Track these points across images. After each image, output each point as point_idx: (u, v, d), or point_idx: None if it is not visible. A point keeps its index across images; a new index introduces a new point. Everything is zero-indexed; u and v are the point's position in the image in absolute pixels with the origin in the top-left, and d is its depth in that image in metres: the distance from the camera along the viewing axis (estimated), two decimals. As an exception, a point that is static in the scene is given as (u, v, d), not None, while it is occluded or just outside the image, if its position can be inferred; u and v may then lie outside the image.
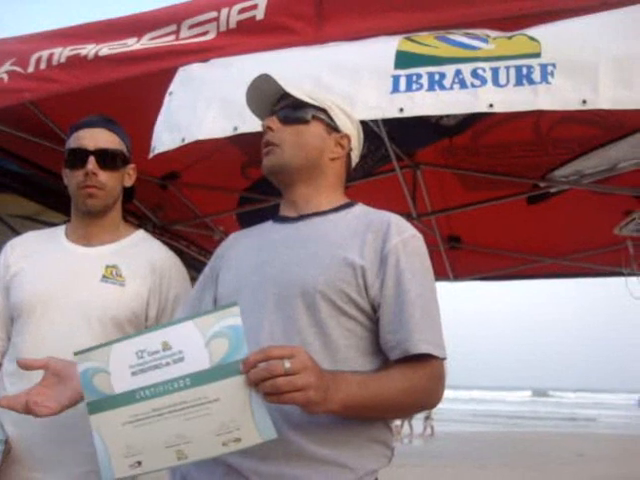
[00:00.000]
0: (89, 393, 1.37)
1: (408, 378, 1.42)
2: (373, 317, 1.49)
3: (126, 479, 1.35)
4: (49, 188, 3.40)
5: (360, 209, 1.64)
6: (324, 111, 1.62)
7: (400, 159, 3.43)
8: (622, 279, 4.44)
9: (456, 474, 10.98)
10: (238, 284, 1.59)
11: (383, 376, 1.43)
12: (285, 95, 1.62)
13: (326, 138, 1.63)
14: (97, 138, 1.95)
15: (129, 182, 2.05)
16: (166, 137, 2.10)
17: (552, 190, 3.77)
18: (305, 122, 1.60)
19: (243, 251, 1.67)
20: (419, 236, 1.56)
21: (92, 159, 1.92)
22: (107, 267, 1.92)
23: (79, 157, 1.93)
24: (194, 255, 4.69)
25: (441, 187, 3.93)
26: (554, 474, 11.24)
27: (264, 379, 1.21)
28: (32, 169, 3.40)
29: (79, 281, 1.90)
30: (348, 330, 1.48)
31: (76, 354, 1.39)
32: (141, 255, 1.99)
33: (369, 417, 1.45)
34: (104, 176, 1.94)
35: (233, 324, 1.28)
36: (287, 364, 1.21)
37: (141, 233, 2.11)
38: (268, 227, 1.69)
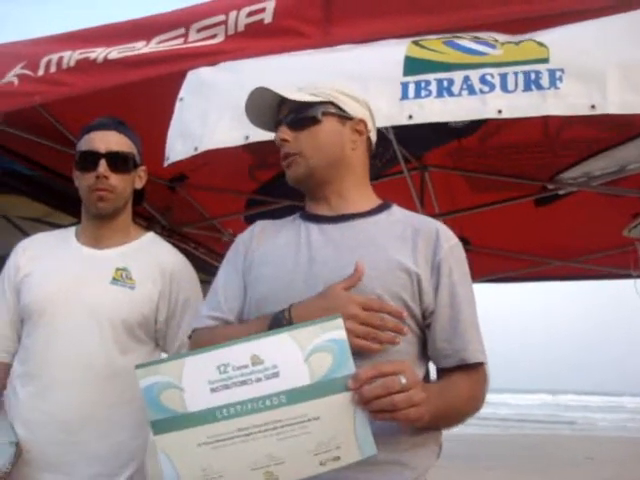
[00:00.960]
0: (155, 411, 1.24)
1: (471, 387, 1.47)
2: (422, 324, 1.50)
3: None
4: (58, 190, 3.42)
5: (399, 212, 1.62)
6: (331, 103, 1.57)
7: (408, 161, 3.43)
8: (631, 281, 4.42)
9: (464, 476, 10.94)
10: (283, 282, 1.51)
11: (452, 386, 1.45)
12: (286, 99, 1.57)
13: (342, 130, 1.57)
14: (108, 141, 1.95)
15: (139, 184, 2.05)
16: (179, 146, 2.10)
17: (560, 192, 3.76)
18: (317, 122, 1.55)
19: (278, 248, 1.59)
20: (460, 243, 1.58)
21: (103, 162, 1.92)
22: (117, 270, 1.92)
23: (90, 160, 1.93)
24: (202, 257, 4.70)
25: (449, 189, 3.93)
26: (562, 477, 11.18)
27: (379, 396, 1.21)
28: (42, 171, 3.41)
29: (89, 283, 1.91)
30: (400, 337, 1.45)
31: (138, 367, 1.27)
32: (151, 258, 1.99)
33: (440, 426, 1.49)
34: (115, 179, 1.94)
35: (337, 338, 1.21)
36: (403, 380, 1.22)
37: (151, 235, 2.11)
38: (298, 224, 1.62)
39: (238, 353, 1.23)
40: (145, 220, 4.05)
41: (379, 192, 3.59)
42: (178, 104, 2.18)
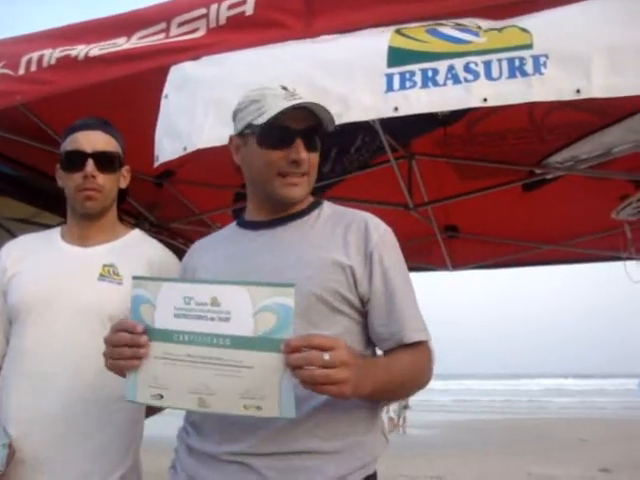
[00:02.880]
0: (135, 318, 1.43)
1: (414, 363, 1.53)
2: (362, 310, 1.57)
3: None
4: (43, 190, 3.39)
5: (329, 208, 1.67)
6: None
7: (395, 150, 3.42)
8: (621, 263, 4.44)
9: (460, 462, 11.02)
10: None
11: (396, 361, 1.51)
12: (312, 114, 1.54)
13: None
14: (94, 141, 1.94)
15: (124, 184, 2.05)
16: (168, 146, 2.12)
17: (548, 176, 3.77)
18: (319, 148, 1.61)
19: (216, 260, 1.65)
20: (391, 230, 1.62)
21: (91, 162, 1.91)
22: (104, 266, 1.92)
23: (77, 159, 1.92)
24: (192, 253, 4.68)
25: (437, 177, 3.93)
26: (558, 460, 11.29)
27: (301, 367, 1.26)
28: (26, 171, 3.39)
29: (77, 281, 1.90)
30: (342, 327, 1.52)
31: (134, 278, 1.46)
32: (138, 254, 1.99)
33: (385, 399, 1.59)
34: (102, 179, 1.94)
35: (285, 303, 1.31)
36: (326, 357, 1.25)
37: (137, 233, 2.11)
38: (235, 232, 1.69)
39: (202, 291, 1.38)
40: (133, 217, 4.04)
41: (367, 182, 3.60)
42: (163, 102, 2.17)
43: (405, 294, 1.57)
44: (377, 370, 1.44)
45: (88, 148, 1.93)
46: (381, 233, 1.58)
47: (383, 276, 1.55)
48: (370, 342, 1.59)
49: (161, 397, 1.41)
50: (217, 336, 1.35)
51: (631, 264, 4.35)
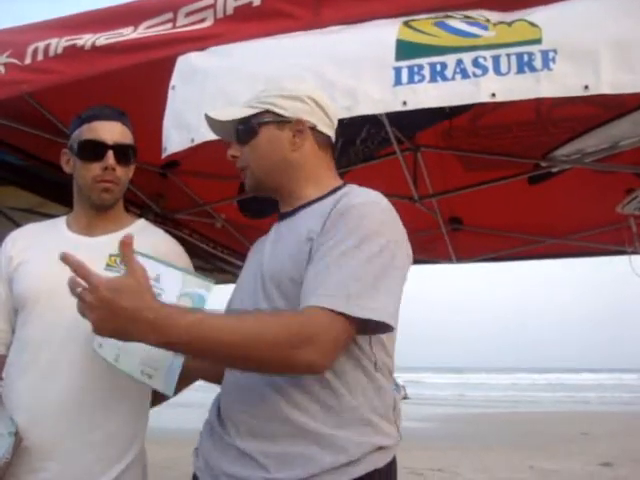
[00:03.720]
0: None
1: (263, 320, 1.36)
2: None
3: None
4: (49, 180, 3.39)
5: (344, 191, 1.57)
6: (267, 112, 1.61)
7: (400, 142, 3.42)
8: (626, 257, 4.44)
9: (462, 456, 11.04)
10: (241, 282, 1.70)
11: (239, 318, 1.39)
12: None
13: (280, 135, 1.61)
14: (114, 132, 1.94)
15: (130, 176, 2.05)
16: (176, 137, 2.12)
17: (553, 170, 3.76)
18: (255, 134, 1.62)
19: (252, 253, 1.77)
20: (374, 204, 1.49)
21: (111, 153, 1.91)
22: (110, 256, 1.91)
23: (96, 150, 1.91)
24: (196, 243, 4.69)
25: (442, 169, 3.92)
26: (559, 453, 11.31)
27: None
28: (32, 161, 3.39)
29: None
30: None
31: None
32: (144, 243, 1.97)
33: (220, 361, 1.52)
34: (120, 171, 1.94)
35: (202, 293, 1.48)
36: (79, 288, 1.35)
37: (142, 222, 2.12)
38: (273, 227, 1.73)
39: (154, 267, 1.53)
40: (138, 207, 4.04)
41: (372, 174, 3.60)
42: (170, 93, 2.16)
43: (341, 259, 1.39)
44: (168, 321, 1.29)
45: (109, 139, 1.92)
46: (352, 204, 1.46)
47: (324, 239, 1.43)
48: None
49: (101, 346, 1.62)
50: None
51: (636, 258, 4.34)
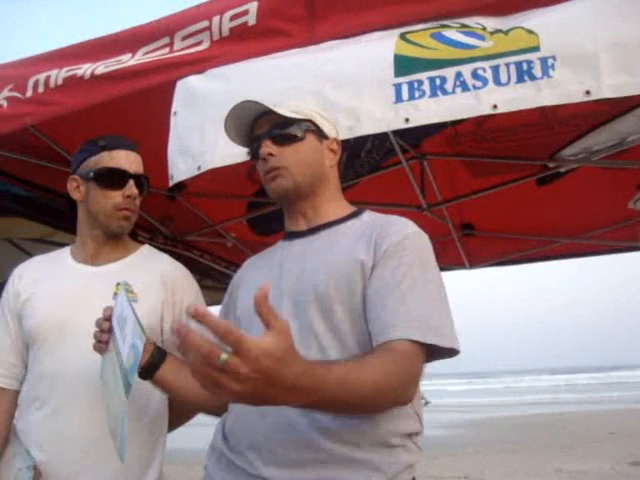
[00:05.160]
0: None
1: (386, 373, 1.32)
2: None
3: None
4: (57, 209, 3.40)
5: (368, 216, 1.65)
6: (311, 122, 1.65)
7: (406, 151, 3.40)
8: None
9: (488, 461, 10.94)
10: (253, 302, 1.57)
11: (362, 371, 1.29)
12: (265, 114, 1.63)
13: (320, 147, 1.66)
14: (133, 161, 1.96)
15: None
16: (182, 165, 2.13)
17: (562, 170, 3.73)
18: (301, 138, 1.62)
19: (257, 272, 1.72)
20: (422, 233, 1.57)
21: (132, 183, 1.93)
22: (118, 284, 1.91)
23: (118, 178, 1.93)
24: (208, 264, 4.69)
25: (450, 176, 3.91)
26: (586, 454, 11.17)
27: (191, 357, 1.02)
28: (39, 192, 3.40)
29: (91, 301, 1.88)
30: (361, 331, 1.47)
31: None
32: (150, 269, 1.99)
33: (339, 412, 1.38)
34: (138, 200, 1.98)
35: (138, 344, 1.46)
36: (224, 356, 1.00)
37: (147, 248, 2.12)
38: (280, 246, 1.72)
39: (125, 310, 1.56)
40: (147, 232, 4.04)
41: (379, 184, 3.58)
42: (173, 119, 2.17)
43: (415, 290, 1.44)
44: (319, 383, 1.17)
45: (130, 168, 1.94)
46: (404, 234, 1.53)
47: (389, 269, 1.47)
48: None
49: (104, 385, 1.64)
50: (119, 352, 1.53)
51: (650, 254, 4.30)
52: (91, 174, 1.95)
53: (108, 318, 1.64)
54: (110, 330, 1.63)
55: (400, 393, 1.38)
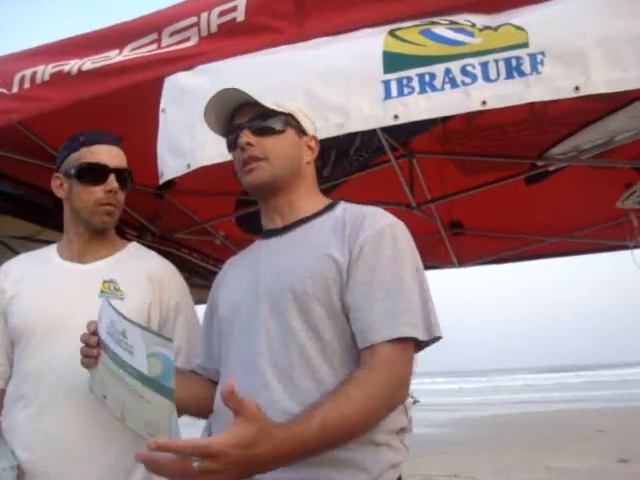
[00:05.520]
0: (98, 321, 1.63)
1: (368, 394, 1.35)
2: None
3: None
4: (44, 207, 3.37)
5: (341, 208, 1.64)
6: (292, 116, 1.65)
7: (395, 149, 3.40)
8: (628, 252, 4.40)
9: (478, 459, 10.97)
10: (235, 302, 1.63)
11: (339, 406, 1.33)
12: (246, 105, 1.62)
13: (299, 142, 1.66)
14: (114, 156, 1.94)
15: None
16: (171, 163, 2.12)
17: (551, 168, 3.74)
18: (281, 131, 1.62)
19: (237, 272, 1.72)
20: (397, 223, 1.56)
21: (113, 177, 1.92)
22: (104, 282, 1.90)
23: (99, 173, 1.91)
24: (197, 262, 4.68)
25: (439, 174, 3.91)
26: (575, 452, 11.21)
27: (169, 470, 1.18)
28: (25, 189, 3.37)
29: (78, 299, 1.88)
30: (343, 331, 1.47)
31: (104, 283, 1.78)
32: (137, 267, 1.98)
33: (340, 443, 1.38)
34: (121, 195, 1.95)
35: (166, 354, 1.39)
36: (196, 463, 1.14)
37: (135, 245, 2.10)
38: (257, 245, 1.72)
39: (118, 321, 1.51)
40: (135, 229, 4.02)
41: (368, 183, 3.56)
42: (161, 116, 2.16)
43: (395, 285, 1.45)
44: (299, 442, 1.27)
45: (111, 163, 1.92)
46: (381, 226, 1.51)
47: (370, 266, 1.46)
48: None
49: (105, 398, 1.61)
50: (126, 365, 1.47)
51: (638, 252, 4.31)
52: (72, 171, 1.94)
53: (94, 332, 1.61)
54: (99, 344, 1.60)
55: (390, 403, 1.42)
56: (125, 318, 1.51)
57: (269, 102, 1.61)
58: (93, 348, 1.61)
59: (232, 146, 1.65)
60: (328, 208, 1.65)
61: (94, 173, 1.91)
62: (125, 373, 1.47)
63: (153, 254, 2.09)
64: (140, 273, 1.95)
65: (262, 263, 1.61)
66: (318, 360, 1.44)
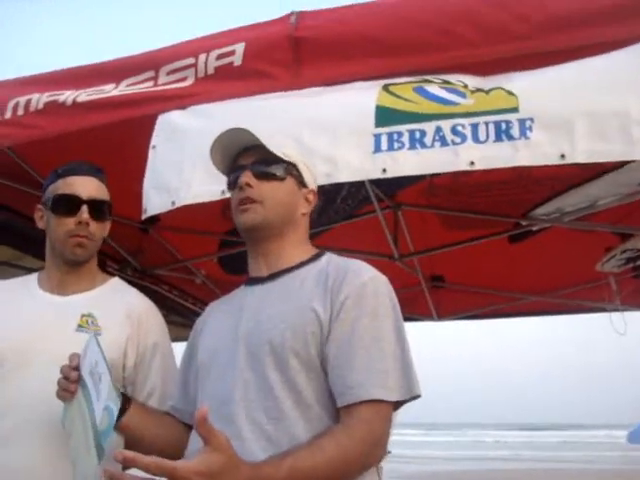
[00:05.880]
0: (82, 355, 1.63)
1: (342, 449, 1.36)
2: None
3: None
4: (27, 234, 3.34)
5: (326, 258, 1.65)
6: (295, 166, 1.66)
7: (381, 200, 3.43)
8: (606, 314, 4.44)
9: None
10: (214, 348, 1.62)
11: (312, 454, 1.34)
12: (252, 148, 1.63)
13: (297, 193, 1.67)
14: (89, 187, 1.92)
15: (106, 232, 2.03)
16: (156, 199, 2.11)
17: (534, 228, 3.78)
18: (282, 178, 1.64)
19: (219, 318, 1.71)
20: (380, 278, 1.56)
21: (85, 208, 1.89)
22: (82, 316, 1.87)
23: (71, 204, 1.90)
24: (176, 299, 4.64)
25: (423, 227, 3.93)
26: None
27: None
28: (7, 214, 3.34)
29: (53, 331, 1.84)
30: (319, 385, 1.46)
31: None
32: (117, 303, 1.95)
33: None
34: (94, 226, 1.92)
35: (112, 407, 1.40)
36: None
37: (116, 280, 2.08)
38: (241, 291, 1.71)
39: (100, 364, 1.50)
40: (116, 262, 3.99)
41: (352, 232, 3.57)
42: (151, 152, 2.16)
43: (376, 344, 1.44)
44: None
45: (83, 194, 1.90)
46: (363, 281, 1.51)
47: (351, 324, 1.46)
48: None
49: (70, 436, 1.57)
50: (92, 409, 1.47)
51: (616, 315, 4.34)
52: (49, 202, 1.93)
53: (76, 367, 1.59)
54: (79, 380, 1.58)
55: (365, 461, 1.41)
56: (106, 364, 1.49)
57: (277, 148, 1.63)
58: (72, 383, 1.58)
59: (232, 185, 1.66)
60: (314, 258, 1.65)
61: (66, 204, 1.90)
62: (89, 418, 1.47)
63: (133, 290, 2.06)
64: (119, 309, 1.92)
65: (244, 311, 1.60)
66: (294, 414, 1.42)
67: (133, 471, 1.24)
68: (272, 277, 1.62)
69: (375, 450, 1.42)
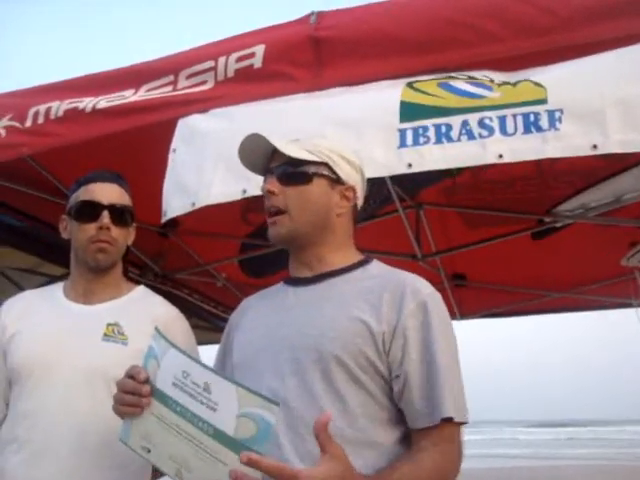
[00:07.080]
0: (144, 365, 1.46)
1: (437, 467, 1.39)
2: (388, 380, 1.45)
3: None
4: (49, 241, 3.36)
5: (377, 268, 1.59)
6: (325, 164, 1.55)
7: (402, 200, 3.40)
8: (632, 310, 4.39)
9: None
10: (254, 348, 1.55)
11: (412, 472, 1.37)
12: (278, 150, 1.55)
13: (330, 193, 1.56)
14: (110, 193, 1.93)
15: (131, 240, 2.02)
16: (176, 202, 2.09)
17: (557, 225, 3.74)
18: (307, 181, 1.53)
19: (257, 315, 1.63)
20: (436, 294, 1.52)
21: (106, 213, 1.89)
22: (108, 325, 1.86)
23: (91, 210, 1.90)
24: (197, 303, 4.64)
25: (445, 226, 3.91)
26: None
27: None
28: (31, 222, 3.36)
29: (79, 341, 1.83)
30: (366, 397, 1.43)
31: (155, 329, 1.49)
32: (143, 312, 1.93)
33: None
34: (116, 232, 1.91)
35: (267, 419, 1.27)
36: None
37: (142, 289, 2.06)
38: (280, 289, 1.65)
39: (199, 373, 1.37)
40: (137, 268, 4.00)
41: (375, 232, 3.54)
42: (171, 156, 2.15)
43: (449, 366, 1.44)
44: None
45: (104, 200, 1.91)
46: (422, 299, 1.46)
47: (422, 345, 1.43)
48: (400, 424, 1.46)
49: (148, 451, 1.45)
50: (203, 421, 1.34)
51: (644, 310, 4.29)
52: (71, 211, 1.94)
53: (147, 380, 1.43)
54: (151, 394, 1.44)
55: (452, 476, 1.44)
56: (210, 369, 1.40)
57: (301, 147, 1.55)
58: (143, 397, 1.42)
59: (262, 190, 1.59)
60: (361, 264, 1.58)
61: (87, 210, 1.91)
62: (196, 429, 1.36)
63: (159, 299, 2.05)
64: (145, 317, 1.90)
65: (287, 312, 1.54)
66: (338, 424, 1.38)
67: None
68: (317, 279, 1.56)
69: (459, 469, 1.45)
